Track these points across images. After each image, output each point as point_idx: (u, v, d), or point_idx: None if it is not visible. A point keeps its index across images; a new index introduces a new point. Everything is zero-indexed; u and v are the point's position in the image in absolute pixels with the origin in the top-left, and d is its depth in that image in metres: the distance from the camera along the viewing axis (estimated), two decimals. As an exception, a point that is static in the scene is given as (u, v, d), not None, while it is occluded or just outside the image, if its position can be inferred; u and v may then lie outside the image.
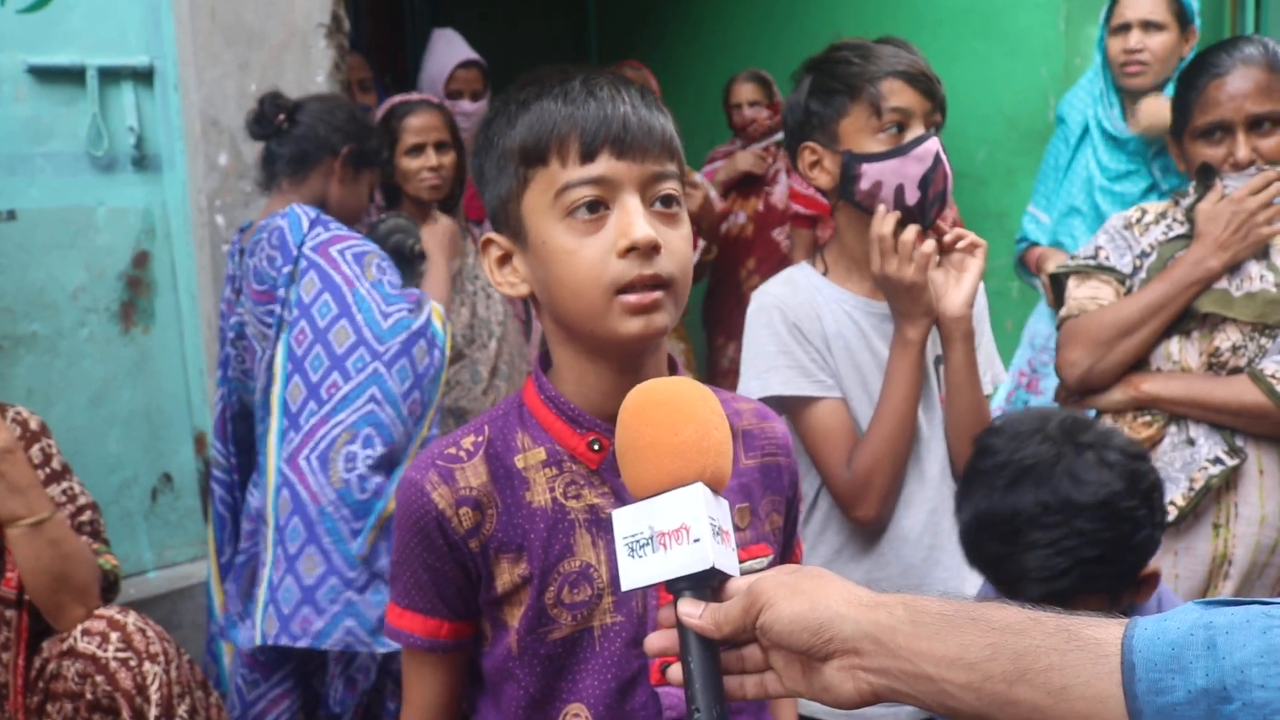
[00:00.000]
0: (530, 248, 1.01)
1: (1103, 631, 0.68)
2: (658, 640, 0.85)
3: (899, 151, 1.61)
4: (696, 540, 0.79)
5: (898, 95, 1.62)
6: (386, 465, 2.15)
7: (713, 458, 0.83)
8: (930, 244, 1.62)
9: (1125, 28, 2.70)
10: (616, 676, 1.04)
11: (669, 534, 0.81)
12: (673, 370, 1.10)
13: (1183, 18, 2.70)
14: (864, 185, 1.64)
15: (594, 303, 0.97)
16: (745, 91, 3.88)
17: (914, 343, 1.64)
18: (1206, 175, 1.88)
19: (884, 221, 1.62)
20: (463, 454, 1.04)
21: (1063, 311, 1.99)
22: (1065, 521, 1.28)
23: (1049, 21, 3.52)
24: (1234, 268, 1.82)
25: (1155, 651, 0.65)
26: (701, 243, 3.31)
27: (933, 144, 1.62)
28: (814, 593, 0.76)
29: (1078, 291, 1.97)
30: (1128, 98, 2.76)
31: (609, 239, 0.96)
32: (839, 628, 0.74)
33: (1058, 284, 2.04)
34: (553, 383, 1.06)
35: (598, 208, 0.97)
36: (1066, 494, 1.29)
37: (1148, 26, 2.67)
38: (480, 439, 1.06)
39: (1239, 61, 1.81)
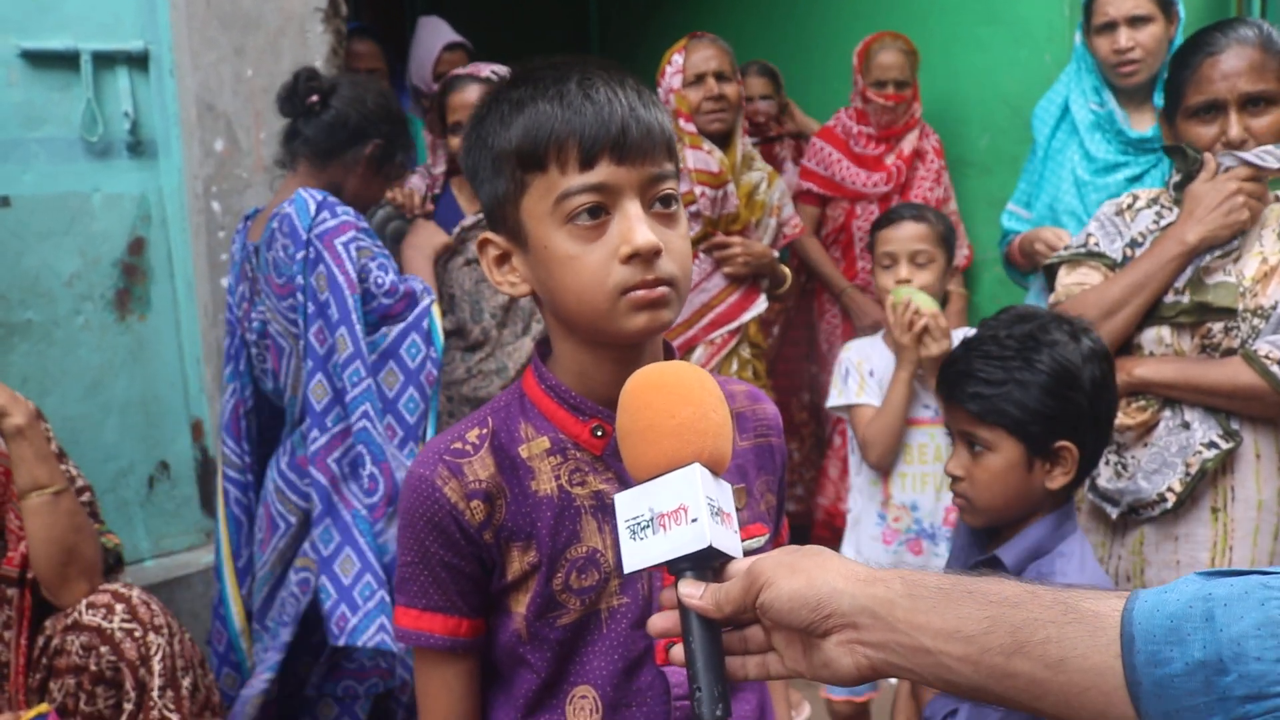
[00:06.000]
0: (531, 250, 1.01)
1: (1102, 604, 0.69)
2: (660, 621, 0.85)
3: None
4: (694, 520, 0.80)
5: None
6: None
7: (711, 439, 0.83)
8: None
9: (1111, 26, 2.60)
10: (623, 657, 1.05)
11: (668, 515, 0.81)
12: (669, 355, 1.10)
13: (1166, 4, 2.62)
14: None
15: (598, 306, 0.97)
16: (755, 86, 3.81)
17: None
18: (1178, 156, 1.88)
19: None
20: (469, 447, 1.05)
21: (1050, 299, 1.98)
22: (1019, 353, 1.57)
23: (1053, 8, 3.49)
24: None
25: (1154, 624, 0.65)
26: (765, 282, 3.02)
27: None
28: (812, 570, 0.77)
29: (1066, 279, 1.97)
30: (1122, 95, 2.71)
31: (611, 245, 0.96)
32: (837, 603, 0.75)
33: (1050, 274, 2.02)
34: (552, 371, 1.07)
35: (598, 213, 0.97)
36: (1032, 333, 1.59)
37: (1135, 22, 2.58)
38: (485, 431, 1.06)
39: (1234, 40, 1.80)
